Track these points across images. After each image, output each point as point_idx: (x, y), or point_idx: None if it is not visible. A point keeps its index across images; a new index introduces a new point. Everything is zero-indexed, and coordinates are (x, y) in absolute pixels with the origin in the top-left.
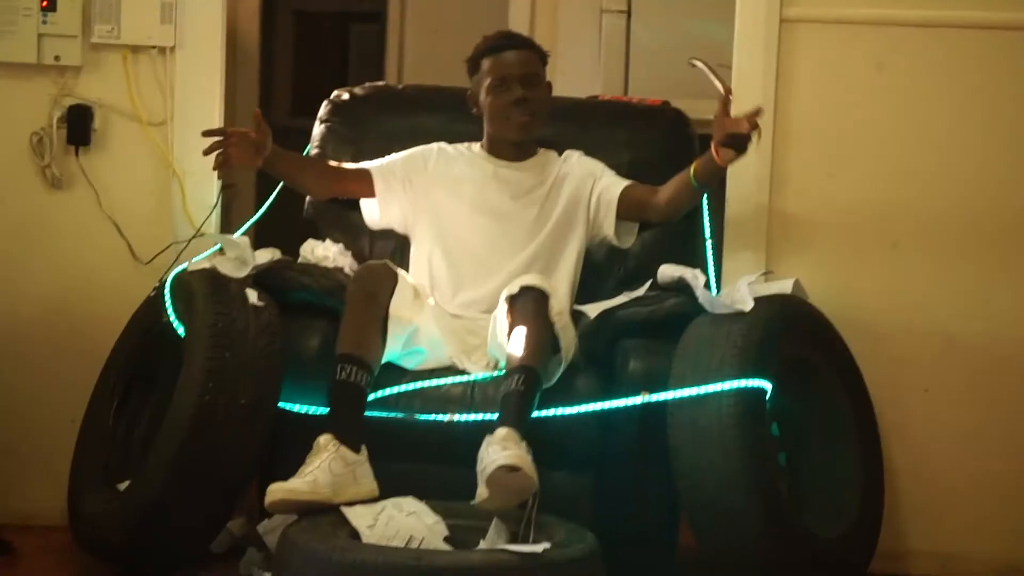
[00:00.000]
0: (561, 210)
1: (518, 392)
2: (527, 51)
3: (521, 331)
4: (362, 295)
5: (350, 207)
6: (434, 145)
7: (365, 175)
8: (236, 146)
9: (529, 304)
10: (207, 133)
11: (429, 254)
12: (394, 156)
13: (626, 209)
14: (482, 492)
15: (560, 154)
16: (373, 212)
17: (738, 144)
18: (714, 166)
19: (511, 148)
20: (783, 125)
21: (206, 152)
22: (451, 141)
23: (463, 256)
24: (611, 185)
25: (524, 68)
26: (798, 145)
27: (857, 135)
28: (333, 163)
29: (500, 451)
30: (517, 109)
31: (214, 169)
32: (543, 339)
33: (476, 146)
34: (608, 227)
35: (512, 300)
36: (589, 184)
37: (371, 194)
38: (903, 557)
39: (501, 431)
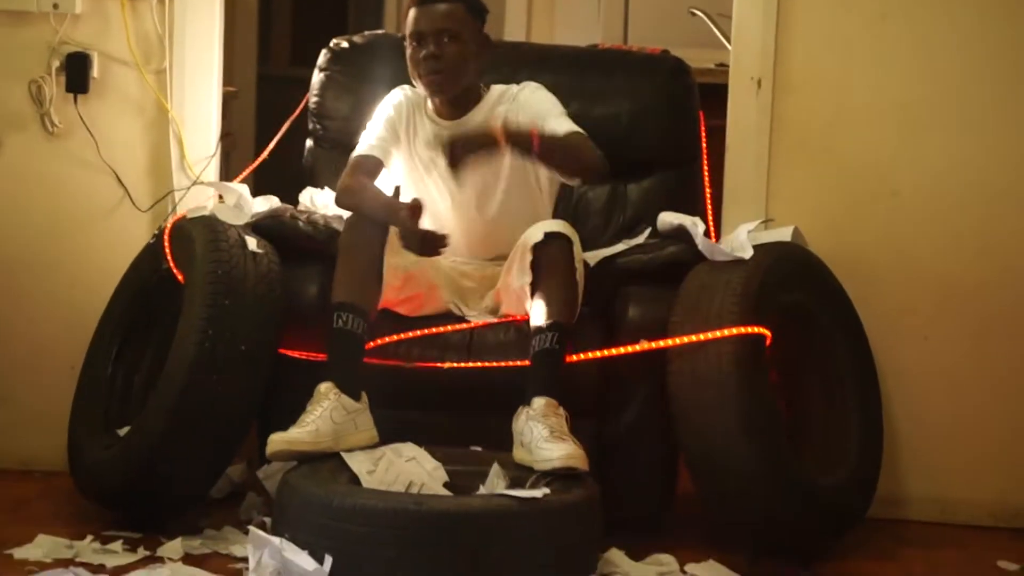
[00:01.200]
0: (512, 159)
1: (551, 351)
2: (452, 4)
3: (550, 283)
4: (355, 243)
5: (348, 155)
6: (400, 97)
7: (377, 164)
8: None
9: (556, 253)
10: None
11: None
12: (376, 126)
13: None
14: (523, 457)
15: (518, 85)
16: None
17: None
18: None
19: (445, 104)
20: (782, 74)
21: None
22: None
23: (437, 209)
24: (553, 134)
25: (441, 23)
26: (799, 94)
27: (859, 84)
28: (367, 170)
29: (546, 433)
30: (425, 65)
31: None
32: (573, 291)
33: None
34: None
35: (538, 249)
36: (535, 126)
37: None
38: (902, 503)
39: (540, 402)
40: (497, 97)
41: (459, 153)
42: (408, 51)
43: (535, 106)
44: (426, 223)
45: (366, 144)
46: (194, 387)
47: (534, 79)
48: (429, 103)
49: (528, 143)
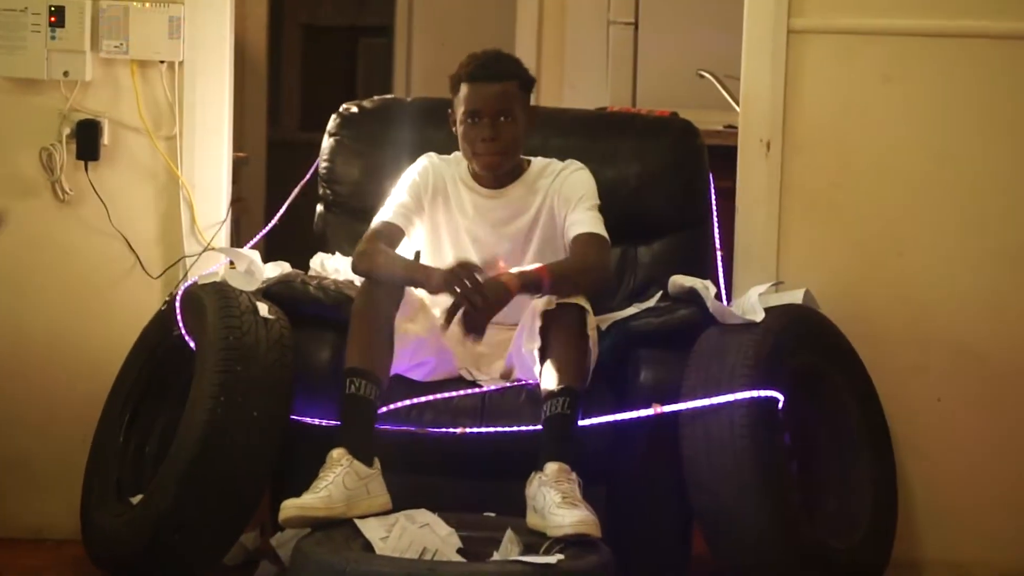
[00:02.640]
0: (540, 238)
1: (563, 416)
2: (506, 82)
3: (561, 348)
4: (368, 308)
5: (359, 220)
6: (427, 164)
7: (399, 233)
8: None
9: (568, 319)
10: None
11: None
12: (399, 194)
13: None
14: (536, 523)
15: (562, 161)
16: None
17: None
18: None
19: (489, 176)
20: (791, 135)
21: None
22: None
23: None
24: (572, 226)
25: (499, 104)
26: (806, 155)
27: (864, 145)
28: (387, 238)
29: (558, 499)
30: (483, 147)
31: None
32: (584, 356)
33: (463, 165)
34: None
35: (549, 315)
36: (564, 211)
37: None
38: (917, 566)
39: (552, 467)
40: (539, 171)
41: (477, 321)
42: (461, 128)
43: (567, 191)
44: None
45: (388, 211)
46: (206, 455)
47: (546, 143)
48: (466, 171)
49: (539, 285)
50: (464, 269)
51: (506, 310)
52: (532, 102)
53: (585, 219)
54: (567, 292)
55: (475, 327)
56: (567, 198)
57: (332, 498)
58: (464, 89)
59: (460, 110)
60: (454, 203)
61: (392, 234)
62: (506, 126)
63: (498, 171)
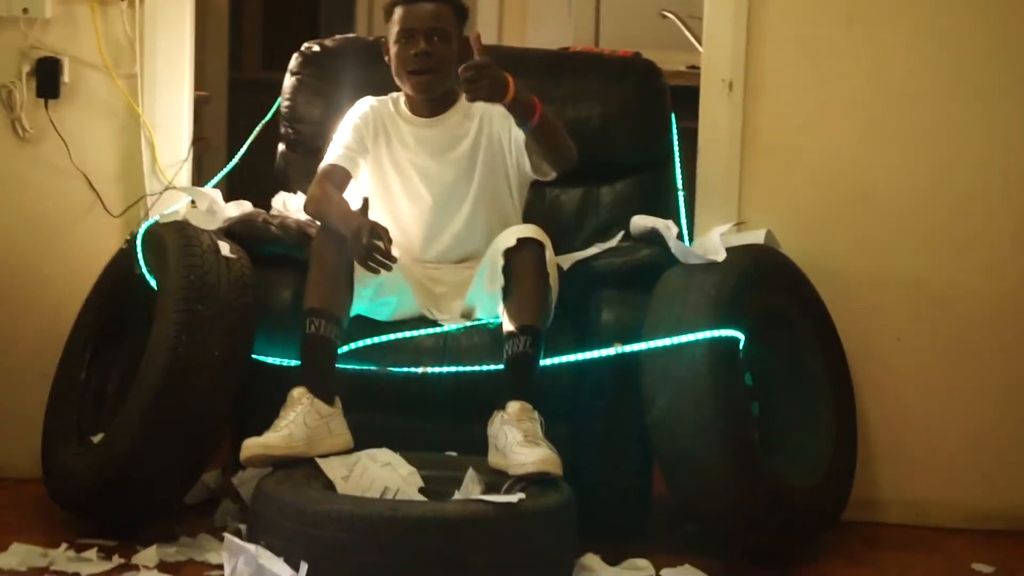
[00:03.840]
0: (483, 162)
1: (526, 355)
2: (440, 3)
3: (522, 287)
4: (327, 248)
5: (320, 159)
6: (365, 106)
7: (345, 175)
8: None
9: (528, 258)
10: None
11: (382, 210)
12: (343, 136)
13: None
14: (498, 462)
15: None
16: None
17: (469, 80)
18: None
19: (425, 103)
20: (753, 77)
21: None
22: None
23: (408, 213)
24: (520, 136)
25: (432, 21)
26: (769, 97)
27: (828, 88)
28: (335, 181)
29: (520, 438)
30: (416, 62)
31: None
32: (545, 295)
33: (400, 101)
34: (524, 166)
35: (510, 254)
36: (508, 127)
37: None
38: (876, 505)
39: (514, 406)
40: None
41: (480, 77)
42: (393, 48)
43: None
44: (404, 218)
45: (334, 154)
46: (167, 394)
47: None
48: (403, 105)
49: (531, 109)
50: (366, 234)
51: (466, 248)
52: (492, 41)
53: None
54: (548, 139)
55: (477, 77)
56: (503, 114)
57: (293, 436)
58: (398, 11)
59: (394, 31)
60: (395, 138)
61: (339, 176)
62: (439, 45)
63: (431, 93)
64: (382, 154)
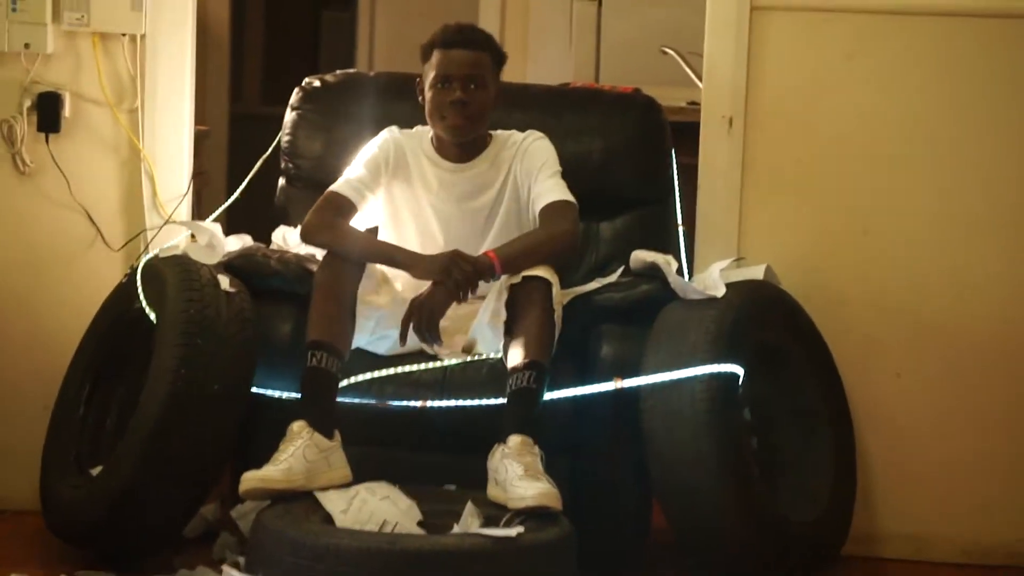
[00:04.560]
0: (504, 213)
1: (529, 390)
2: (479, 52)
3: (527, 322)
4: (330, 281)
5: (320, 194)
6: (388, 138)
7: (351, 207)
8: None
9: (534, 294)
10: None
11: (390, 240)
12: (356, 166)
13: None
14: (497, 495)
15: (522, 132)
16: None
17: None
18: None
19: (454, 147)
20: (753, 112)
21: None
22: None
23: (416, 248)
24: (537, 198)
25: (470, 69)
26: (768, 132)
27: (827, 122)
28: (341, 211)
29: (520, 472)
30: (452, 110)
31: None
32: (550, 331)
33: (427, 139)
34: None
35: (515, 289)
36: (527, 183)
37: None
38: (876, 540)
39: (516, 440)
40: (501, 144)
41: (428, 326)
42: (429, 93)
43: (529, 162)
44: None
45: (342, 184)
46: (166, 427)
47: (508, 119)
48: (430, 144)
49: (491, 272)
50: (459, 260)
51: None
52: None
53: (549, 187)
54: (526, 268)
55: (426, 329)
56: (528, 170)
57: (292, 470)
58: (437, 55)
59: (431, 75)
60: (416, 177)
61: (344, 207)
62: (477, 93)
63: (464, 137)
64: (400, 189)
